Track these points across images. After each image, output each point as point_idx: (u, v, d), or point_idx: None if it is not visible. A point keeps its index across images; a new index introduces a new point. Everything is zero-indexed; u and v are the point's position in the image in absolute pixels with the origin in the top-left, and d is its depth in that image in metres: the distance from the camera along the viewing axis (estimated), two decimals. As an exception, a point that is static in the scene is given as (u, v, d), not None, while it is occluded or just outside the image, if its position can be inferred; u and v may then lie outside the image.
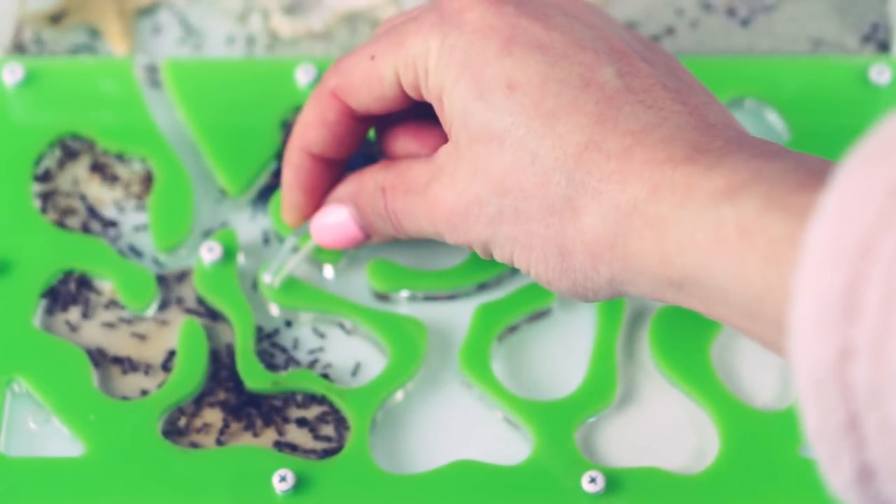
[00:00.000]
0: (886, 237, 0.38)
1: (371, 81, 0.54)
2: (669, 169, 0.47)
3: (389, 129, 0.57)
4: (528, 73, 0.50)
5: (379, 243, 0.59)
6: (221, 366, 0.59)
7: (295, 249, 0.60)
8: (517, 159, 0.50)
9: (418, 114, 0.57)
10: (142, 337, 0.60)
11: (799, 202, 0.44)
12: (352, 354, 0.60)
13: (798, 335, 0.40)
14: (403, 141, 0.57)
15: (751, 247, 0.44)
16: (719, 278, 0.45)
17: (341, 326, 0.60)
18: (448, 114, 0.52)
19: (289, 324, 0.60)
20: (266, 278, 0.60)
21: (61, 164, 0.63)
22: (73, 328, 0.60)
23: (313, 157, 0.57)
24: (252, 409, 0.58)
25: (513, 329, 0.60)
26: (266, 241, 0.62)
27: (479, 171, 0.51)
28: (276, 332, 0.60)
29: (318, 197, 0.58)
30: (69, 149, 0.63)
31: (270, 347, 0.60)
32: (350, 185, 0.57)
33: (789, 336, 0.40)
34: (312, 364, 0.60)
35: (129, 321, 0.60)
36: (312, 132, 0.57)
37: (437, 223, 0.53)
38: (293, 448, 0.58)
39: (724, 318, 0.47)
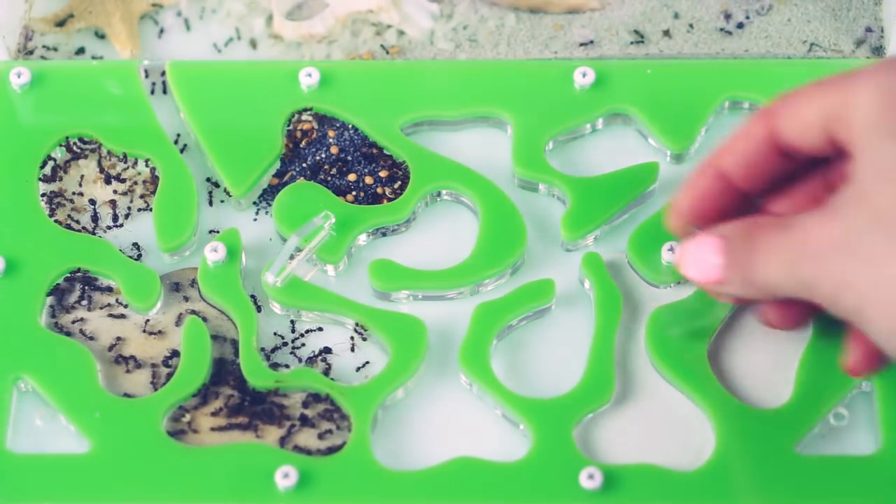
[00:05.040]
0: None
1: (799, 113, 0.53)
2: None
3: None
4: None
5: (727, 297, 0.57)
6: (224, 364, 0.60)
7: (297, 249, 0.60)
8: None
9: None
10: (146, 335, 0.60)
11: None
12: (353, 353, 0.60)
13: None
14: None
15: None
16: None
17: (351, 338, 0.61)
18: (862, 152, 0.50)
19: (292, 323, 0.61)
20: (269, 278, 0.60)
21: (67, 166, 0.63)
22: (77, 327, 0.61)
23: (721, 178, 0.56)
24: (255, 407, 0.59)
25: (512, 328, 0.60)
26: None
27: (866, 204, 0.48)
28: (279, 330, 0.61)
29: (706, 216, 0.56)
30: (75, 150, 0.64)
31: (272, 346, 0.60)
32: (726, 225, 0.54)
33: None
34: (314, 362, 0.60)
35: (133, 320, 0.61)
36: (731, 153, 0.55)
37: (796, 259, 0.50)
38: (295, 445, 0.58)
39: None
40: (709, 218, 0.56)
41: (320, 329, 0.61)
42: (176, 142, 0.64)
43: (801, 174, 0.56)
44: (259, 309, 0.60)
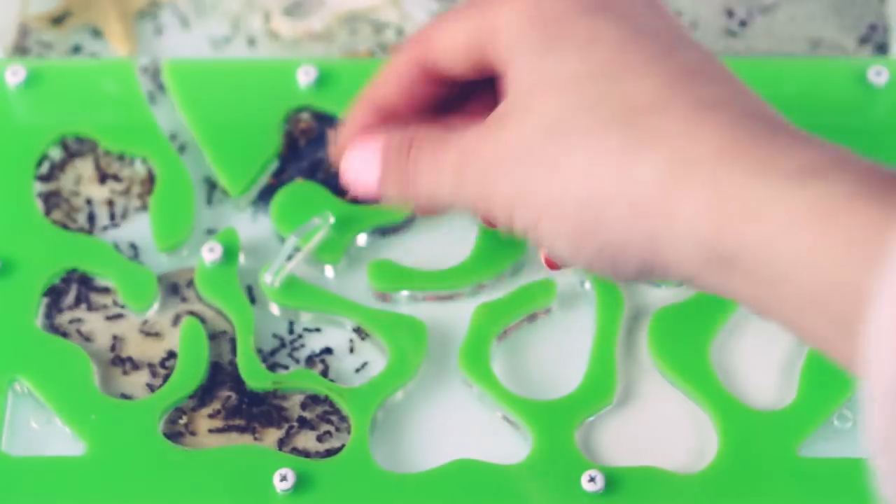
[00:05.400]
0: None
1: (445, 36, 0.52)
2: (745, 136, 0.44)
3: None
4: (611, 34, 0.48)
5: (388, 206, 0.56)
6: (222, 365, 0.59)
7: (296, 249, 0.60)
8: (574, 106, 0.47)
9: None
10: (143, 336, 0.60)
11: (893, 194, 0.40)
12: (352, 354, 0.60)
13: (876, 343, 0.37)
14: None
15: (833, 232, 0.41)
16: (785, 260, 0.42)
17: (350, 340, 0.60)
18: (514, 68, 0.49)
19: (290, 323, 0.61)
20: (266, 278, 0.60)
21: (63, 165, 0.63)
22: (74, 328, 0.60)
23: (379, 111, 0.54)
24: (253, 409, 0.58)
25: (512, 329, 0.60)
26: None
27: (532, 114, 0.48)
28: (277, 331, 0.60)
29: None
30: (71, 149, 0.63)
31: (270, 348, 0.60)
32: (385, 134, 0.53)
33: (864, 342, 0.38)
34: (313, 363, 0.60)
35: (130, 321, 0.60)
36: (384, 85, 0.54)
37: (462, 172, 0.49)
38: (294, 447, 0.58)
39: (769, 306, 0.43)
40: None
41: (318, 330, 0.60)
42: (172, 140, 0.63)
43: (470, 95, 0.54)
44: (253, 300, 0.60)
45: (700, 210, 0.44)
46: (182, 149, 0.63)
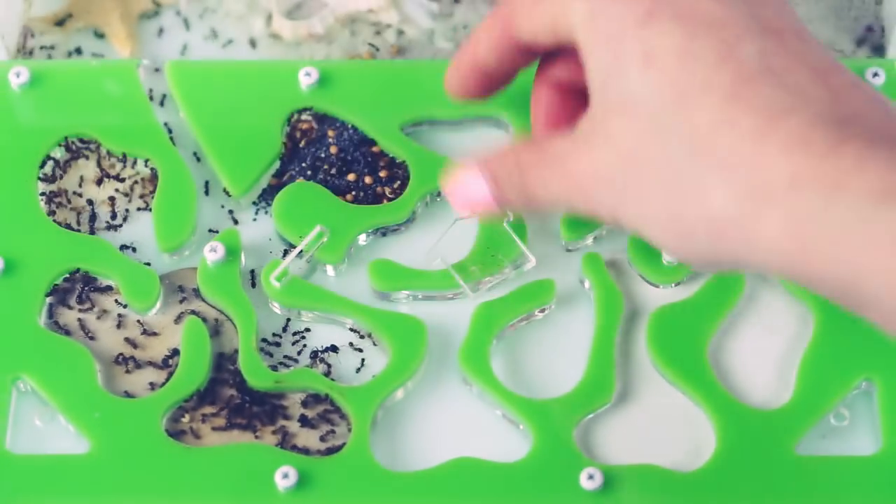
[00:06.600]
0: None
1: (533, 19, 0.53)
2: (814, 157, 0.45)
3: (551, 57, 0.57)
4: (665, 47, 0.48)
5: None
6: (224, 364, 0.60)
7: (292, 246, 0.60)
8: (647, 133, 0.48)
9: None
10: (146, 335, 0.60)
11: None
12: (353, 353, 0.60)
13: None
14: (560, 70, 0.57)
15: None
16: (869, 282, 0.43)
17: (351, 340, 0.60)
18: (589, 79, 0.51)
19: (289, 322, 0.61)
20: (270, 278, 0.60)
21: (66, 166, 0.63)
22: (77, 327, 0.60)
23: (474, 66, 0.57)
24: (255, 407, 0.59)
25: (512, 328, 0.60)
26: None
27: (611, 140, 0.49)
28: (278, 330, 0.61)
29: (479, 90, 0.58)
30: (74, 150, 0.63)
31: (272, 347, 0.60)
32: (491, 158, 0.55)
33: None
34: (314, 363, 0.60)
35: (133, 320, 0.61)
36: (479, 44, 0.56)
37: (569, 190, 0.51)
38: (295, 446, 0.58)
39: (861, 313, 0.45)
40: (483, 87, 0.58)
41: (319, 329, 0.60)
42: (174, 141, 0.64)
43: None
44: (254, 284, 0.61)
45: (779, 236, 0.45)
46: (184, 150, 0.64)
